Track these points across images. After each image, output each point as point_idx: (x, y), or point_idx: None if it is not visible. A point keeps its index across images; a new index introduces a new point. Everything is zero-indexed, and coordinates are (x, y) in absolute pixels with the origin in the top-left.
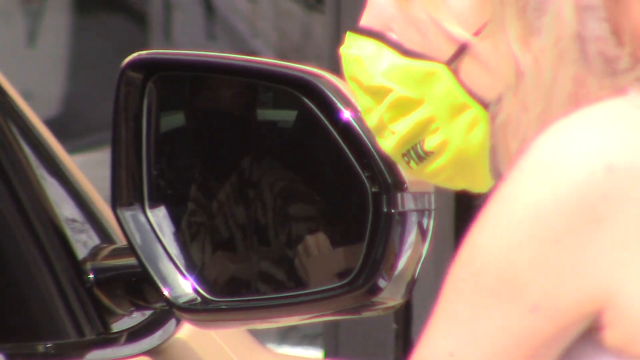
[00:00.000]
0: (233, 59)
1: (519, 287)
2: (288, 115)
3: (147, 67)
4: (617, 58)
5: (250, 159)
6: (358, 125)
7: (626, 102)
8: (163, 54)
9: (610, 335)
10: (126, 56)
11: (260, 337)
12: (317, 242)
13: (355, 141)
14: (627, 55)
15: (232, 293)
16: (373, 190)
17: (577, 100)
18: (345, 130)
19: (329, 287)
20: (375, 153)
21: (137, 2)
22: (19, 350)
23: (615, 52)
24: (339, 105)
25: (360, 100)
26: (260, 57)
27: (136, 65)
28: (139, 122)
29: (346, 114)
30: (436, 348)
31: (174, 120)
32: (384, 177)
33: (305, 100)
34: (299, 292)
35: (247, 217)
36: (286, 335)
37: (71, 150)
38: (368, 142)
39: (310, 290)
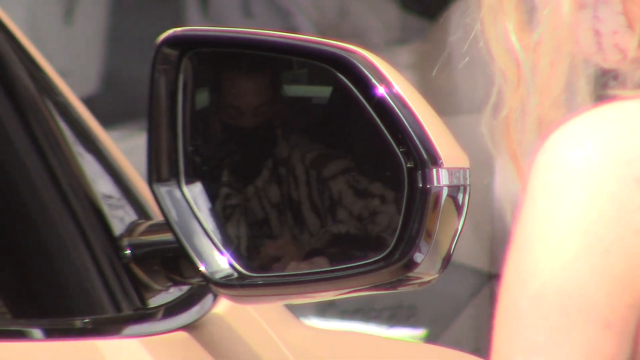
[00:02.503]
0: (268, 35)
1: (587, 302)
2: (323, 92)
3: (182, 43)
4: (631, 50)
5: (285, 136)
6: (392, 101)
7: None
8: (198, 30)
9: None
10: (162, 32)
11: (298, 312)
12: (352, 218)
13: (390, 117)
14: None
15: (268, 268)
16: (408, 165)
17: (575, 93)
18: (380, 105)
19: (365, 262)
20: (410, 129)
21: None
22: (56, 325)
23: (631, 45)
24: (373, 80)
25: None
26: (295, 34)
27: (171, 41)
28: (175, 99)
29: (380, 90)
30: None
31: (210, 97)
32: (419, 153)
33: (340, 76)
34: (335, 267)
35: (283, 193)
36: (325, 310)
37: (108, 128)
38: (403, 118)
39: (345, 265)
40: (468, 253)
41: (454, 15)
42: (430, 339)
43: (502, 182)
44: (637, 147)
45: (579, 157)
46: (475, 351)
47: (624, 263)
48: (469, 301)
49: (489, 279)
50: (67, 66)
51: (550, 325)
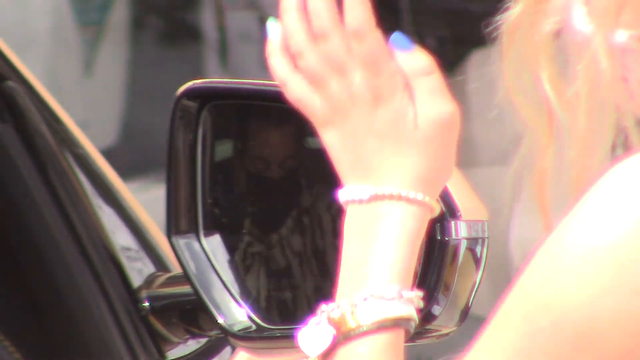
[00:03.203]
0: None
1: (600, 341)
2: None
3: (201, 95)
4: None
5: (304, 188)
6: None
7: None
8: (217, 82)
9: None
10: (181, 85)
11: None
12: None
13: None
14: None
15: (286, 320)
16: None
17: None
18: None
19: None
20: None
21: (193, 34)
22: None
23: None
24: None
25: None
26: None
27: (191, 93)
28: (194, 151)
29: None
30: None
31: (229, 148)
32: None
33: None
34: None
35: (300, 246)
36: None
37: (126, 178)
38: None
39: None
40: (486, 305)
41: (472, 68)
42: None
43: (519, 234)
44: None
45: (627, 195)
46: None
47: None
48: None
49: None
50: (87, 118)
51: (559, 353)
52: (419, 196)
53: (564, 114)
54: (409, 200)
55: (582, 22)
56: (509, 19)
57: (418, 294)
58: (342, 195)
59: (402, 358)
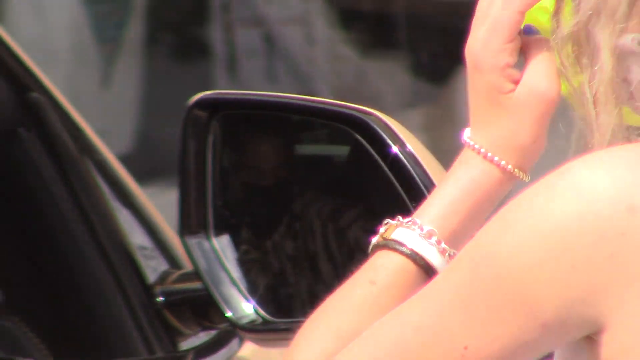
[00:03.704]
0: (290, 98)
1: (535, 304)
2: (341, 150)
3: (211, 106)
4: None
5: (306, 191)
6: (406, 159)
7: None
8: (226, 94)
9: (604, 351)
10: (192, 96)
11: None
12: None
13: (404, 174)
14: None
15: (290, 314)
16: None
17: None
18: (394, 163)
19: None
20: (422, 185)
21: (203, 49)
22: None
23: None
24: (388, 140)
25: None
26: (316, 97)
27: (201, 104)
28: (204, 157)
29: (395, 149)
30: (453, 337)
31: (236, 154)
32: None
33: (357, 136)
34: None
35: (303, 245)
36: None
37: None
38: (415, 176)
39: None
40: None
41: (462, 81)
42: None
43: None
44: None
45: (586, 179)
46: None
47: (582, 282)
48: None
49: None
50: (104, 127)
51: (497, 307)
52: (496, 158)
53: (580, 107)
54: (485, 157)
55: (593, 25)
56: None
57: (433, 243)
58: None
59: (409, 292)
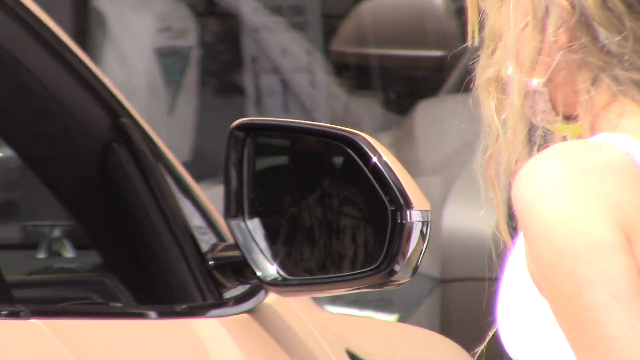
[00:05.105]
0: (302, 123)
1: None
2: (337, 160)
3: (247, 128)
4: (555, 121)
5: (314, 187)
6: (382, 166)
7: (573, 144)
8: (256, 120)
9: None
10: (233, 121)
11: (320, 301)
12: (355, 243)
13: (380, 177)
14: (560, 118)
15: (302, 274)
16: (391, 208)
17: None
18: (374, 169)
19: (363, 270)
20: (393, 185)
21: (239, 89)
22: (165, 309)
23: (554, 118)
24: (369, 153)
25: None
26: (318, 123)
27: (240, 127)
28: (241, 164)
29: (374, 159)
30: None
31: (265, 162)
32: (398, 200)
33: (348, 150)
34: (344, 274)
35: (312, 226)
36: (335, 301)
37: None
38: (388, 178)
39: (350, 272)
40: (424, 264)
41: (419, 111)
42: (402, 320)
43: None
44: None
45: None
46: (432, 328)
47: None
48: (425, 297)
49: (438, 283)
50: (171, 142)
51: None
52: None
53: (501, 126)
54: None
55: (510, 70)
56: (478, 68)
57: None
58: None
59: None
